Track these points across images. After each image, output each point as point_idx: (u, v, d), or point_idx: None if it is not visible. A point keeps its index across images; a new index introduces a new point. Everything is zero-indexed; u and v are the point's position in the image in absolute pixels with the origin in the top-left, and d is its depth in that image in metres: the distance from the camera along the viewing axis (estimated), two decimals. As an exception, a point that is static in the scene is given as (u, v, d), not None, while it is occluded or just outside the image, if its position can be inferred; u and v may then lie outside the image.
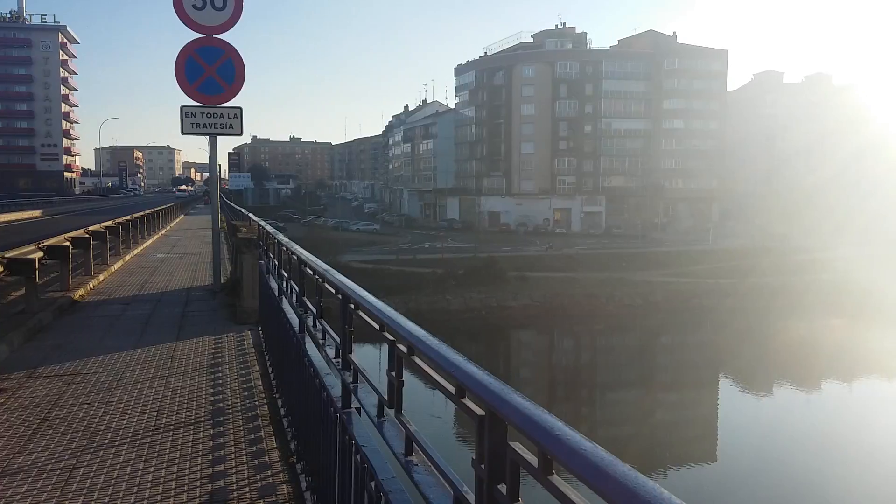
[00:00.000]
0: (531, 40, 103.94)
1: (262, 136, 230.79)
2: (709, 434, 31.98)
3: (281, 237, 8.15)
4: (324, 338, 4.84)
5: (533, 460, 1.84)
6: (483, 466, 2.07)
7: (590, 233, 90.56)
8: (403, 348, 2.91)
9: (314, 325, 5.21)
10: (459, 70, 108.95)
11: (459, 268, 61.26)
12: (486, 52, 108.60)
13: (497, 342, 51.42)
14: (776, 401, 36.66)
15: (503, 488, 2.01)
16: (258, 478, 5.14)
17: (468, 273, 60.02)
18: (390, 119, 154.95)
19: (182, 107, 12.99)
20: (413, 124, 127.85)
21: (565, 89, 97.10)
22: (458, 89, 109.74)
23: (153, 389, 7.38)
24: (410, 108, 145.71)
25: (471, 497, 2.23)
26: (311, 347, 5.17)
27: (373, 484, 3.22)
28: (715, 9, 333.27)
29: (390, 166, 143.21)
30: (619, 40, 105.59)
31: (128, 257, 20.10)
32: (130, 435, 5.96)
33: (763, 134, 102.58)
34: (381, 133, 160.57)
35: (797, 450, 27.90)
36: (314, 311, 5.29)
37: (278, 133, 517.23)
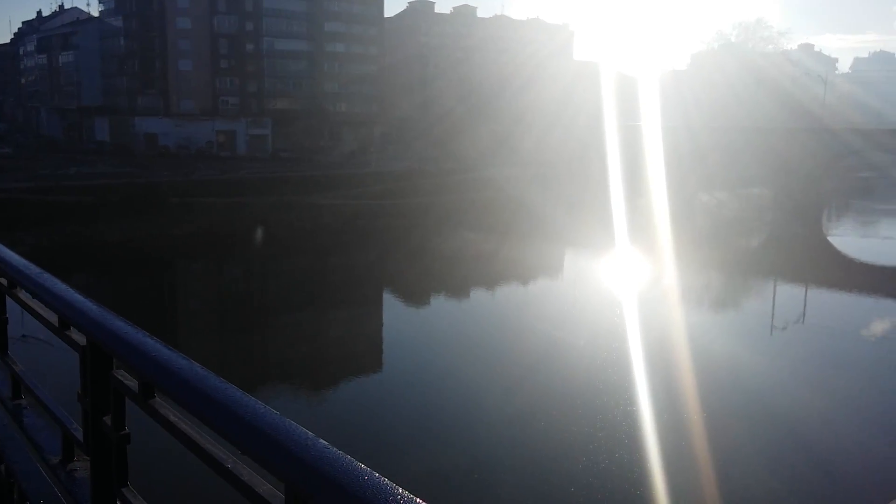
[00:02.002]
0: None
1: None
2: (375, 347, 33.55)
3: None
4: None
5: (136, 386, 1.85)
6: (88, 399, 2.04)
7: (256, 156, 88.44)
8: (4, 281, 2.74)
9: None
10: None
11: (114, 195, 56.04)
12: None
13: (161, 274, 48.36)
14: (433, 310, 39.75)
15: (109, 419, 1.98)
16: None
17: (124, 201, 55.22)
18: (20, 26, 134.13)
19: None
20: (49, 32, 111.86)
21: (224, 4, 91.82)
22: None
23: None
24: (45, 14, 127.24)
25: (79, 433, 2.18)
26: None
27: None
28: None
29: (23, 80, 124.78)
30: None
31: None
32: None
33: (418, 62, 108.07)
34: (9, 42, 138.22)
35: (453, 352, 30.50)
36: None
37: None
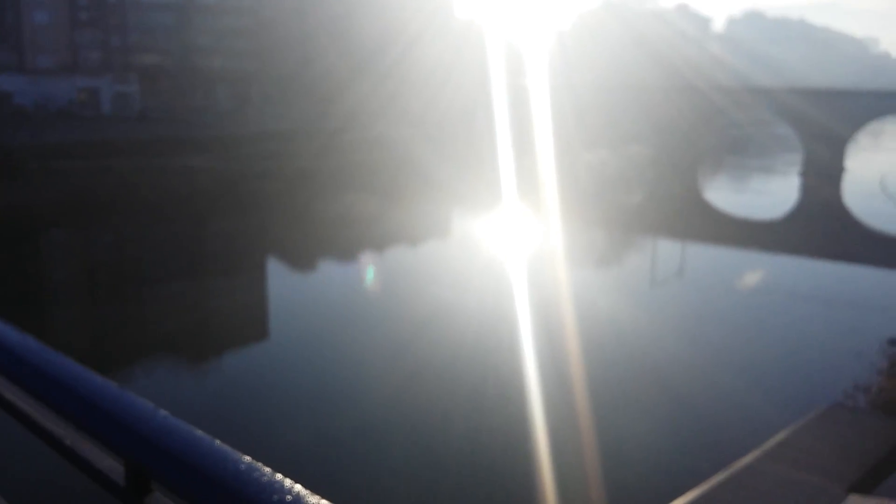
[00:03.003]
0: None
1: None
2: (260, 315, 32.55)
3: None
4: None
5: None
6: None
7: (123, 116, 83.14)
8: None
9: None
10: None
11: (-41, 161, 51.35)
12: None
13: (19, 246, 44.80)
14: (320, 276, 38.85)
15: None
16: None
17: (-27, 167, 50.71)
18: None
19: None
20: None
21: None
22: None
23: None
24: None
25: None
26: None
27: None
28: None
29: None
30: None
31: None
32: None
33: (297, 16, 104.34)
34: None
35: (341, 317, 29.92)
36: None
37: None
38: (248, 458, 1.28)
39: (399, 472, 16.84)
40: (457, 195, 59.85)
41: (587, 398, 19.79)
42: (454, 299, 30.97)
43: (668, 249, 44.30)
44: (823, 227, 51.37)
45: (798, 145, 74.20)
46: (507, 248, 43.03)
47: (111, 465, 1.51)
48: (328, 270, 39.99)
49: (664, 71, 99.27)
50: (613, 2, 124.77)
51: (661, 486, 15.38)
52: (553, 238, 45.21)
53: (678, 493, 14.17)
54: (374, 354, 24.65)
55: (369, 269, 32.55)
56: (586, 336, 24.84)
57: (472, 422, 19.00)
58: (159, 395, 22.02)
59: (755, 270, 37.89)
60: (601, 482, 15.77)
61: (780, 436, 16.81)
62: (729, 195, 68.10)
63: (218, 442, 1.33)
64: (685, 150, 77.12)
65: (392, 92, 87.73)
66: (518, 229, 48.52)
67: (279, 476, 1.23)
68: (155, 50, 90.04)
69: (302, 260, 41.70)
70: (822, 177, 67.05)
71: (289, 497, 1.17)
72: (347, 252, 42.61)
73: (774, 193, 67.01)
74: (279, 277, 39.04)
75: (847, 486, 14.69)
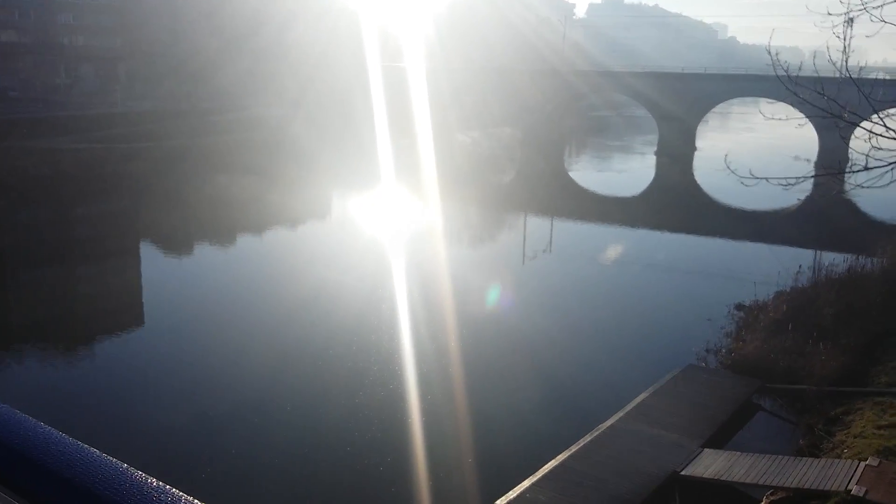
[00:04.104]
0: None
1: None
2: (134, 300, 31.73)
3: None
4: None
5: None
6: None
7: (-23, 96, 77.56)
8: None
9: None
10: None
11: None
12: None
13: None
14: (197, 259, 38.06)
15: None
16: None
17: None
18: None
19: None
20: None
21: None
22: None
23: None
24: None
25: None
26: None
27: None
28: None
29: None
30: None
31: None
32: None
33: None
34: None
35: (220, 300, 29.69)
36: None
37: None
38: (76, 441, 1.26)
39: (278, 452, 16.93)
40: (336, 175, 60.02)
41: (462, 372, 20.62)
42: (335, 279, 31.30)
43: (538, 225, 46.26)
44: (676, 202, 54.86)
45: (654, 127, 78.63)
46: (386, 228, 43.62)
47: None
48: (207, 253, 39.24)
49: (530, 55, 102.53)
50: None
51: (533, 452, 16.26)
52: (430, 216, 46.27)
53: (550, 456, 15.37)
54: (254, 337, 24.46)
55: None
56: (462, 312, 25.67)
57: (353, 399, 19.30)
58: (27, 387, 21.41)
59: (616, 244, 40.04)
60: (475, 451, 16.49)
61: (641, 397, 18.27)
62: (592, 174, 71.20)
63: (51, 428, 1.30)
64: (551, 131, 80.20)
65: (267, 72, 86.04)
66: (396, 208, 49.23)
67: (109, 457, 1.22)
68: (12, 27, 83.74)
69: (177, 243, 40.61)
70: (676, 156, 71.43)
71: (115, 475, 1.16)
72: (227, 234, 41.95)
73: (632, 172, 70.52)
74: (153, 262, 37.69)
75: (702, 442, 16.19)
